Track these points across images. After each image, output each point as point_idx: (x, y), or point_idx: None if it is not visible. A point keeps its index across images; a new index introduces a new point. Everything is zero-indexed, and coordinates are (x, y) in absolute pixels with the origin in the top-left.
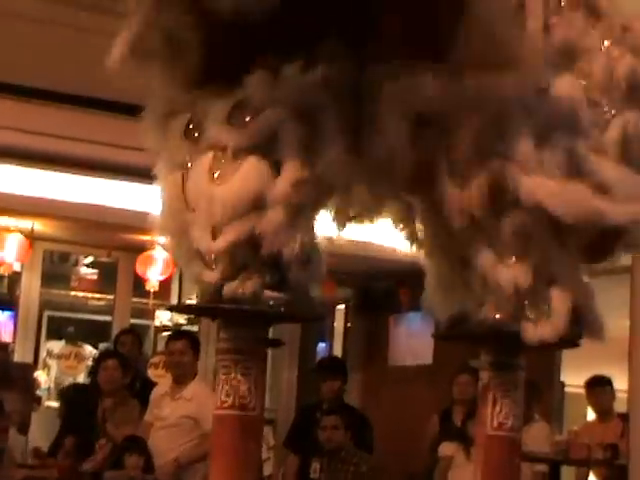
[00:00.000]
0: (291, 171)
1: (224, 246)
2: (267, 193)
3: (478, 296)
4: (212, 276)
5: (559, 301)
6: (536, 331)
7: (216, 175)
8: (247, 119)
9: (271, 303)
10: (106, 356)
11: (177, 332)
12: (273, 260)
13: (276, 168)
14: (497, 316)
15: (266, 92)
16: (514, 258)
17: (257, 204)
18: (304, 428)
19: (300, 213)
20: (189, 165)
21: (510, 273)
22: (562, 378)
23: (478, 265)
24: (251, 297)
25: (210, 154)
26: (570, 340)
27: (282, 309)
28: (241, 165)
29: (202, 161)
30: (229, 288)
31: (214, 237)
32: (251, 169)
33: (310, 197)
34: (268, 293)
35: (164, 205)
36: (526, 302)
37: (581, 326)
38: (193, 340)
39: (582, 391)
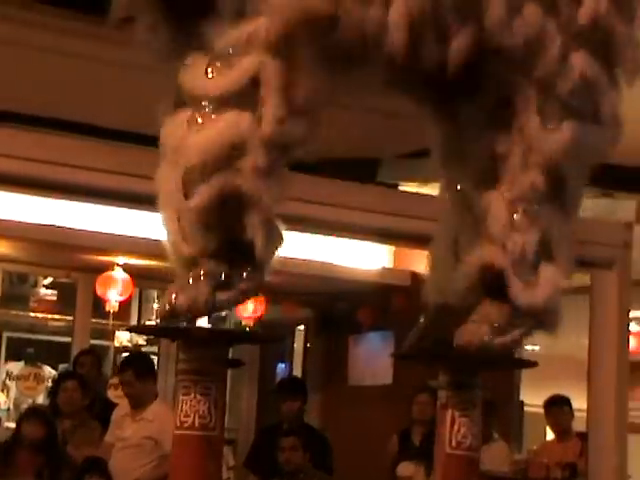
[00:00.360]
0: (272, 110)
1: (197, 206)
2: (247, 141)
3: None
4: (186, 250)
5: (552, 272)
6: (527, 293)
7: (196, 125)
8: (225, 68)
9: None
10: (65, 377)
11: (125, 360)
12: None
13: (258, 114)
14: (463, 340)
15: (240, 36)
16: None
17: (235, 153)
18: (264, 449)
19: (282, 157)
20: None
21: (520, 237)
22: (521, 397)
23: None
24: (203, 306)
25: (189, 107)
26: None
27: (241, 330)
28: (221, 116)
29: (180, 114)
30: (182, 298)
31: (186, 195)
32: (231, 118)
33: (295, 134)
34: (220, 296)
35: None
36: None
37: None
38: (141, 368)
39: (541, 410)
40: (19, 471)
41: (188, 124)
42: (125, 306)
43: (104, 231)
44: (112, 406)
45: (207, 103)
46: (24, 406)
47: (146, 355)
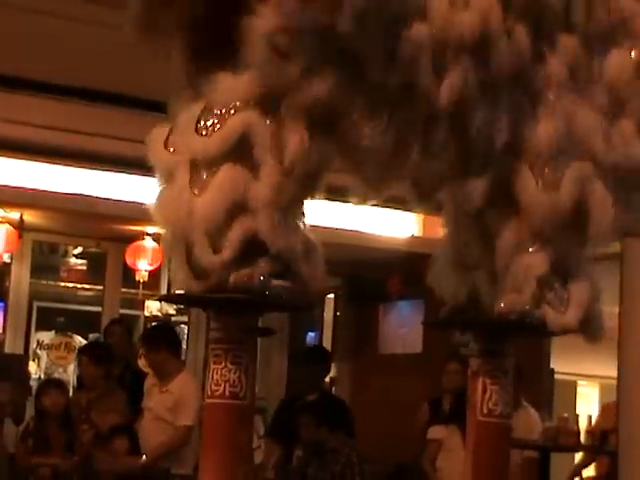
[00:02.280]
0: (270, 174)
1: (227, 260)
2: (247, 198)
3: (486, 279)
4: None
5: (578, 291)
6: (558, 318)
7: (195, 186)
8: (215, 125)
9: (273, 291)
10: (80, 352)
11: (142, 334)
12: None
13: (253, 169)
14: (502, 305)
15: (229, 92)
16: (535, 246)
17: (238, 210)
18: (285, 419)
19: (290, 210)
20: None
21: (528, 260)
22: (552, 365)
23: (497, 247)
24: (258, 286)
25: (187, 165)
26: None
27: (272, 298)
28: (217, 174)
29: (180, 173)
30: (234, 277)
31: (213, 248)
32: (226, 177)
33: (294, 194)
34: (272, 282)
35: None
36: (547, 290)
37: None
38: (151, 342)
39: (571, 378)
40: (52, 445)
41: (188, 184)
42: (155, 275)
43: (134, 200)
44: (143, 375)
45: (202, 164)
46: (55, 375)
47: (160, 328)
